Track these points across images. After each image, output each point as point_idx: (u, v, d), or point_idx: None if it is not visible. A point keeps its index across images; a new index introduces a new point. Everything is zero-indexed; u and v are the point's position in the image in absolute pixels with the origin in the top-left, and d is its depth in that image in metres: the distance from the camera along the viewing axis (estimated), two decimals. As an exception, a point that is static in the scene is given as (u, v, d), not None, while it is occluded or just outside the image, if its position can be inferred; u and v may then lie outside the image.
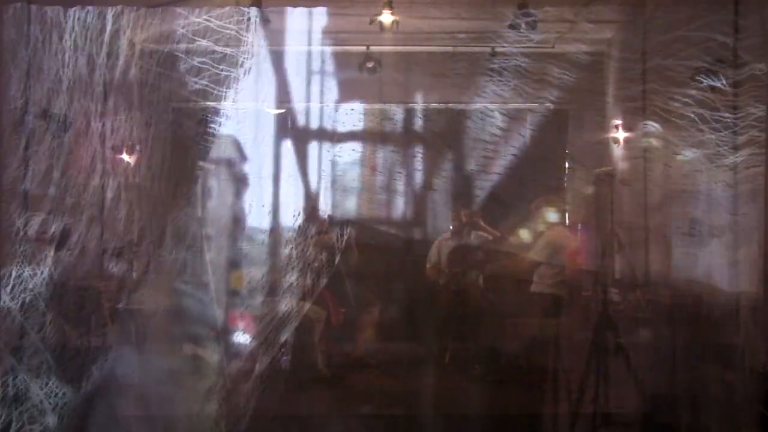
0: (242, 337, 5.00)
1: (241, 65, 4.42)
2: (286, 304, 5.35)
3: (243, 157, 4.90)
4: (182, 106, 4.44)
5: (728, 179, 4.46)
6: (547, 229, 5.46)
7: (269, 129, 4.80)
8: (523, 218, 5.49)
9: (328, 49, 4.72)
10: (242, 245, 4.87)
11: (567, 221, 5.60)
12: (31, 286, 4.35)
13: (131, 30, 4.44)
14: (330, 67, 4.76)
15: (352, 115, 4.84)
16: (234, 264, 4.91)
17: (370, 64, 5.02)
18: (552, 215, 5.44)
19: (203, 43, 4.38)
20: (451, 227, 5.76)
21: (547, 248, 5.38)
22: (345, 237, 5.66)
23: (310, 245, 5.56)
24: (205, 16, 4.41)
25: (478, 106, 4.93)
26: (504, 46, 4.59)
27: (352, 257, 5.65)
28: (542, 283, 5.43)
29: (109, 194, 4.54)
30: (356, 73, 4.82)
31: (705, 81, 4.43)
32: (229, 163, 4.97)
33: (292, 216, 4.72)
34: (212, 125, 4.55)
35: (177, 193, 4.55)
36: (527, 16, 4.45)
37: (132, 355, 4.63)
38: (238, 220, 4.99)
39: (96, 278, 4.61)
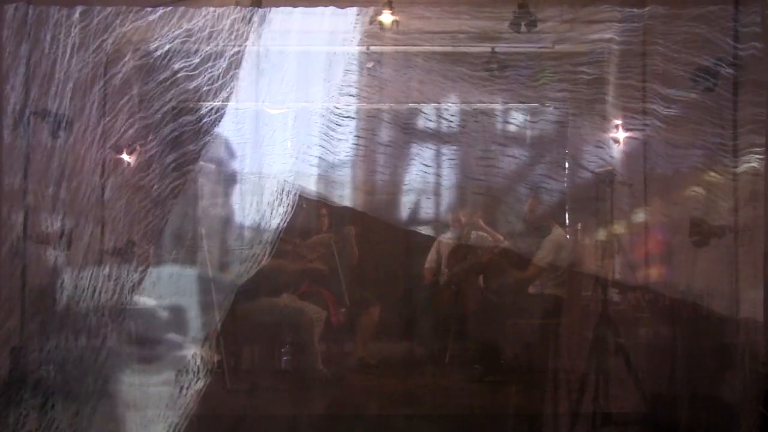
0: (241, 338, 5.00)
1: (243, 64, 4.44)
2: (286, 304, 5.37)
3: (240, 157, 4.91)
4: (184, 105, 4.44)
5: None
6: (547, 232, 5.46)
7: (269, 129, 4.81)
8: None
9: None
10: (237, 245, 4.88)
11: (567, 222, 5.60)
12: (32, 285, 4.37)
13: (131, 29, 4.44)
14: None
15: (355, 115, 4.84)
16: (230, 263, 4.91)
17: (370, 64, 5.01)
18: (548, 216, 5.44)
19: (204, 42, 4.39)
20: (450, 228, 5.77)
21: (550, 253, 5.39)
22: (345, 236, 5.68)
23: (310, 245, 5.58)
24: (205, 16, 4.42)
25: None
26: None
27: (352, 257, 5.66)
28: (542, 284, 5.44)
29: (109, 194, 4.53)
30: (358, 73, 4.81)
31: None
32: (228, 163, 4.97)
33: (291, 216, 4.71)
34: (212, 125, 4.56)
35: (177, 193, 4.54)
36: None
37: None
38: (233, 220, 4.99)
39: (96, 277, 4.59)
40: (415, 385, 5.44)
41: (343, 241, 5.63)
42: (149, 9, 4.39)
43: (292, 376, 5.54)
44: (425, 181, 4.92)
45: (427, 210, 5.22)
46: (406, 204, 5.16)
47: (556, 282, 5.39)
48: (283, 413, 5.08)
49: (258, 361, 5.32)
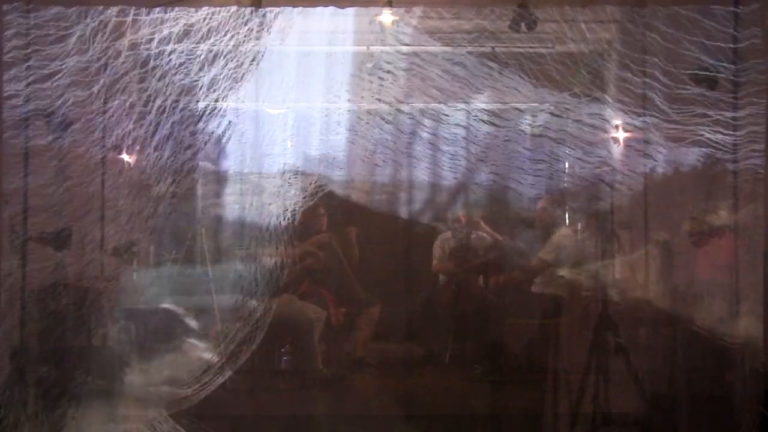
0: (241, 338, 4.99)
1: (244, 64, 4.45)
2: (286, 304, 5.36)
3: (241, 157, 4.92)
4: (184, 105, 4.46)
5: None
6: (555, 230, 5.45)
7: (269, 129, 4.82)
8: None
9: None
10: (238, 244, 4.89)
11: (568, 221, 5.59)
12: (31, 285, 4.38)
13: (132, 30, 4.45)
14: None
15: (351, 116, 4.85)
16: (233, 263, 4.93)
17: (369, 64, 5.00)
18: (559, 215, 5.44)
19: (205, 42, 4.39)
20: (451, 228, 5.77)
21: (557, 249, 5.38)
22: (346, 237, 5.67)
23: (309, 245, 5.57)
24: (205, 16, 4.43)
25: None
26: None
27: (352, 257, 5.65)
28: (544, 283, 5.44)
29: (109, 194, 4.55)
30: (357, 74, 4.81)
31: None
32: (229, 163, 4.98)
33: (290, 216, 4.73)
34: (214, 125, 4.57)
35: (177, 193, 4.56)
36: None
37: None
38: (233, 220, 5.01)
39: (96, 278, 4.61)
40: (416, 385, 5.44)
41: (343, 241, 5.62)
42: (149, 9, 4.40)
43: (292, 376, 5.54)
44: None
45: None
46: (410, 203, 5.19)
47: (558, 282, 5.39)
48: (283, 413, 5.09)
49: (258, 361, 5.31)
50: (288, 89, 4.71)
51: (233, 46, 4.42)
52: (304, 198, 4.75)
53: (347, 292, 5.61)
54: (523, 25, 4.57)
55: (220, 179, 4.97)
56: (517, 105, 4.81)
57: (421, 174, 4.94)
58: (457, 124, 4.80)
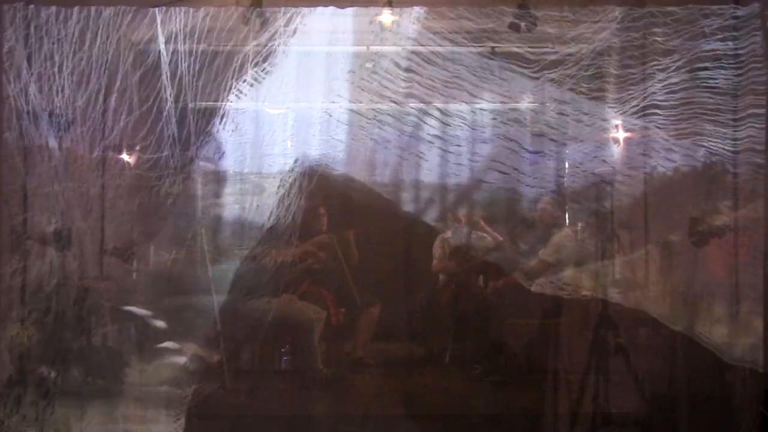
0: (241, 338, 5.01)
1: (244, 64, 4.46)
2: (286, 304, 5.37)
3: (241, 157, 4.92)
4: (184, 105, 4.46)
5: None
6: (556, 230, 5.44)
7: (268, 129, 4.82)
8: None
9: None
10: (238, 244, 4.90)
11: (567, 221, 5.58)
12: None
13: (132, 30, 4.45)
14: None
15: (351, 115, 4.85)
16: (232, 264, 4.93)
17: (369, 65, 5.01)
18: (559, 215, 5.43)
19: (205, 42, 4.40)
20: (451, 228, 5.76)
21: (558, 249, 5.37)
22: (345, 238, 5.67)
23: (310, 245, 5.58)
24: (206, 16, 4.43)
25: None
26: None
27: (352, 257, 5.65)
28: (545, 283, 5.42)
29: (110, 194, 4.55)
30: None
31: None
32: (229, 163, 4.98)
33: (290, 216, 4.73)
34: (214, 125, 4.58)
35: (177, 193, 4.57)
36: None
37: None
38: (233, 220, 5.01)
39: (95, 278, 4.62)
40: (416, 385, 5.44)
41: (342, 242, 5.62)
42: (149, 8, 4.41)
43: (292, 376, 5.54)
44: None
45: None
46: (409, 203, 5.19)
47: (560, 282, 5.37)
48: (283, 413, 5.09)
49: (258, 361, 5.32)
50: (288, 89, 4.71)
51: (233, 45, 4.43)
52: (304, 198, 4.73)
53: (347, 292, 5.61)
54: (522, 25, 4.58)
55: (220, 179, 4.97)
56: (517, 104, 4.82)
57: (422, 174, 4.94)
58: (458, 124, 4.80)
